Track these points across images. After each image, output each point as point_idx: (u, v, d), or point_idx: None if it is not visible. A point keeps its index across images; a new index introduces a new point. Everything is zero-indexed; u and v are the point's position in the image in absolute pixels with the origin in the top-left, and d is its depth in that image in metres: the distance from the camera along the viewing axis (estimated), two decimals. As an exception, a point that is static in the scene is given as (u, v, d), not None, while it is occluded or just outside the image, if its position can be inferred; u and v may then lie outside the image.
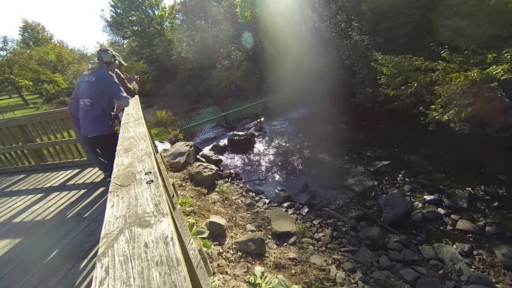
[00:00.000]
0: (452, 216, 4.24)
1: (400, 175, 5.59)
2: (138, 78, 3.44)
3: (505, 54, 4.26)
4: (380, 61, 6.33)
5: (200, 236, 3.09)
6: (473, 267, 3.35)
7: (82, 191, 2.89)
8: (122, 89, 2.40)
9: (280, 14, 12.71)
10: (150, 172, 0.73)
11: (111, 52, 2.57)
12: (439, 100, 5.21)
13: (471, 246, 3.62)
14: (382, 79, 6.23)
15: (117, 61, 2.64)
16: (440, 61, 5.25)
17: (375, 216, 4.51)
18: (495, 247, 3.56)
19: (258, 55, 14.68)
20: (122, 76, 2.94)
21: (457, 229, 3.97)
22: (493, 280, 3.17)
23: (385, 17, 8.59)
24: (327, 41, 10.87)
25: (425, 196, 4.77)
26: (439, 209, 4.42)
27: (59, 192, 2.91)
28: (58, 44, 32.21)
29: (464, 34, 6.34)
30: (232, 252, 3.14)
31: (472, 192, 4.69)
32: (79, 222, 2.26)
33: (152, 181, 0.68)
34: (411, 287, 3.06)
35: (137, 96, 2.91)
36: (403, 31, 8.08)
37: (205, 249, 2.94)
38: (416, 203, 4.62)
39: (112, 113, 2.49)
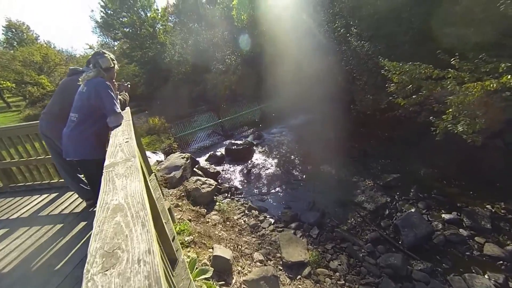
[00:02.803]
0: (476, 238, 3.89)
1: (412, 190, 5.24)
2: (129, 86, 2.92)
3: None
4: (387, 67, 6.04)
5: (204, 276, 2.58)
6: (511, 302, 2.99)
7: (58, 227, 2.33)
8: (116, 102, 1.90)
9: (277, 18, 12.44)
10: None
11: (109, 55, 2.05)
12: (450, 110, 4.96)
13: (505, 276, 3.26)
14: (391, 87, 5.91)
15: (116, 66, 2.13)
16: (450, 69, 5.04)
17: (392, 238, 4.11)
18: (530, 277, 3.22)
19: (255, 59, 14.32)
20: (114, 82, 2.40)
21: (485, 254, 3.62)
22: (536, 318, 2.81)
23: (386, 23, 8.41)
24: (325, 46, 10.64)
25: (443, 215, 4.43)
26: (460, 230, 4.07)
27: (27, 228, 2.34)
28: (45, 45, 30.85)
29: (468, 42, 6.18)
30: (241, 295, 2.65)
31: (493, 210, 4.38)
32: (49, 279, 1.71)
33: None
34: (449, 332, 2.65)
35: (128, 110, 2.39)
36: (405, 38, 7.89)
37: (210, 294, 2.44)
38: (436, 223, 4.26)
39: (104, 135, 1.98)
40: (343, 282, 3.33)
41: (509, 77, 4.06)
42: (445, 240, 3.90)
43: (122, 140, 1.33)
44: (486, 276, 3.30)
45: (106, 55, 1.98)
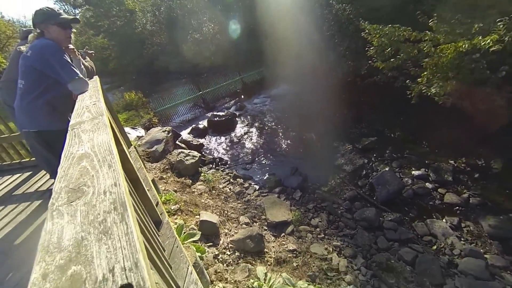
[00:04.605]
0: (439, 190, 4.34)
1: (387, 151, 5.60)
2: (93, 54, 2.69)
3: (498, 24, 4.13)
4: (367, 30, 5.97)
5: (192, 239, 2.71)
6: (462, 239, 3.47)
7: (36, 203, 2.29)
8: (75, 67, 1.65)
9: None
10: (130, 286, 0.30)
11: (46, 8, 1.66)
12: (425, 73, 5.14)
13: (459, 219, 3.74)
14: (370, 50, 5.92)
15: (61, 18, 1.68)
16: (427, 31, 5.09)
17: (368, 195, 4.48)
18: (480, 218, 3.71)
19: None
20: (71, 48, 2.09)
21: (445, 202, 4.08)
22: (481, 250, 3.31)
23: (368, -16, 8.10)
24: (307, 10, 10.19)
25: (413, 172, 4.83)
26: (427, 184, 4.50)
27: (2, 207, 2.27)
28: (-9, 14, 26.77)
29: (446, 2, 6.17)
30: (229, 253, 2.85)
31: (455, 164, 4.84)
32: (30, 253, 1.72)
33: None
34: (411, 267, 3.07)
35: (97, 78, 2.23)
36: (386, 0, 7.72)
37: (199, 254, 2.59)
38: (406, 179, 4.66)
39: (61, 104, 1.80)
40: (323, 235, 3.66)
41: (480, 38, 4.18)
42: (413, 193, 4.32)
43: (89, 103, 1.26)
44: (444, 220, 3.77)
45: (42, 10, 1.65)
